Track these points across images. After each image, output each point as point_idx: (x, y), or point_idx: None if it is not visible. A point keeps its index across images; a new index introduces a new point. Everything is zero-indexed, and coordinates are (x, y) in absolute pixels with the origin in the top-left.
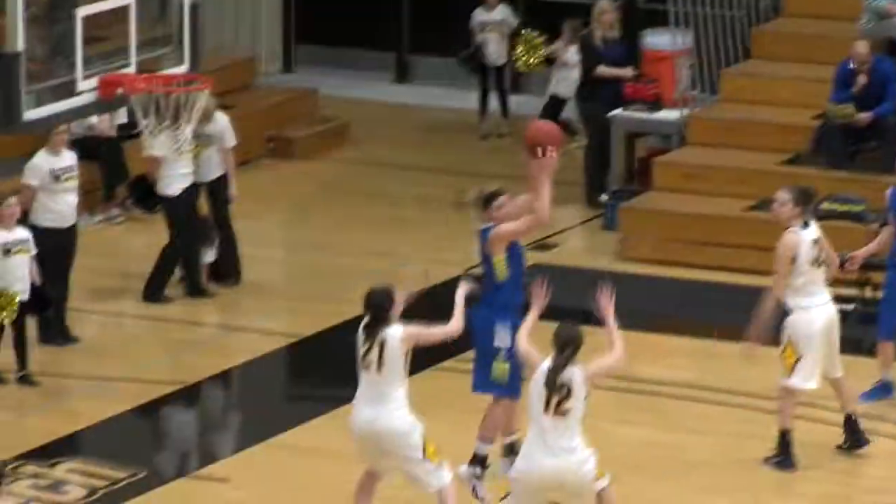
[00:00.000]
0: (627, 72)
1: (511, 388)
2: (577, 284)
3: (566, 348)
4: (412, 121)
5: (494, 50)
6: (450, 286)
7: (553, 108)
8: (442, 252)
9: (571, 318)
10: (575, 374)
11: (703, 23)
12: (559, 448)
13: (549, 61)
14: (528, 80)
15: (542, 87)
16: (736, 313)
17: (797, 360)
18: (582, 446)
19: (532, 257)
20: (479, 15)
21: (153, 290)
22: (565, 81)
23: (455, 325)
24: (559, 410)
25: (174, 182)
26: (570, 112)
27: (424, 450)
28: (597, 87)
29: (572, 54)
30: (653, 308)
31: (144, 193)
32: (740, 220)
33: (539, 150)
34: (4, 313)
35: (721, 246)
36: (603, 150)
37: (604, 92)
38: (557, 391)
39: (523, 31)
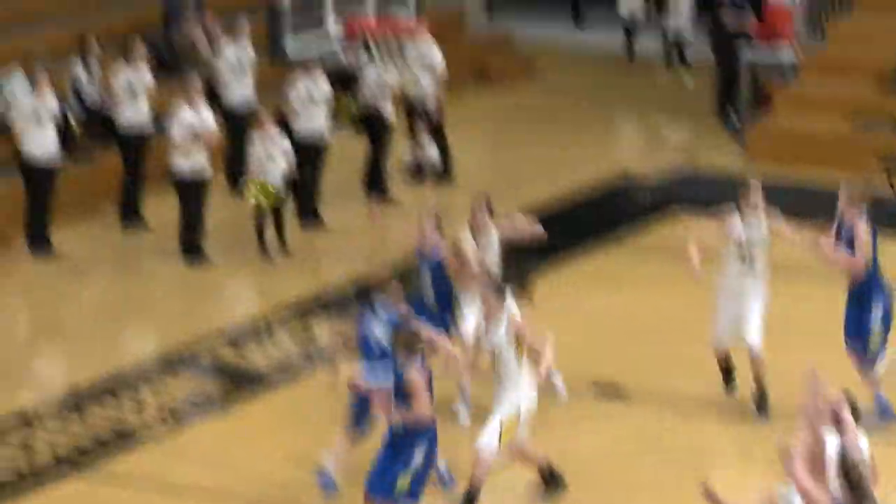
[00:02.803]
0: (746, 21)
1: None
2: (712, 184)
3: None
4: (586, 57)
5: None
6: (608, 186)
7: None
8: (611, 155)
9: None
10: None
11: None
12: None
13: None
14: None
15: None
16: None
17: None
18: None
19: (675, 163)
20: None
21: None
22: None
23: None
24: None
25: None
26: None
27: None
28: (723, 25)
29: None
30: (773, 203)
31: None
32: (844, 137)
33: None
34: (267, 200)
35: (827, 157)
36: (732, 76)
37: (731, 35)
38: None
39: None
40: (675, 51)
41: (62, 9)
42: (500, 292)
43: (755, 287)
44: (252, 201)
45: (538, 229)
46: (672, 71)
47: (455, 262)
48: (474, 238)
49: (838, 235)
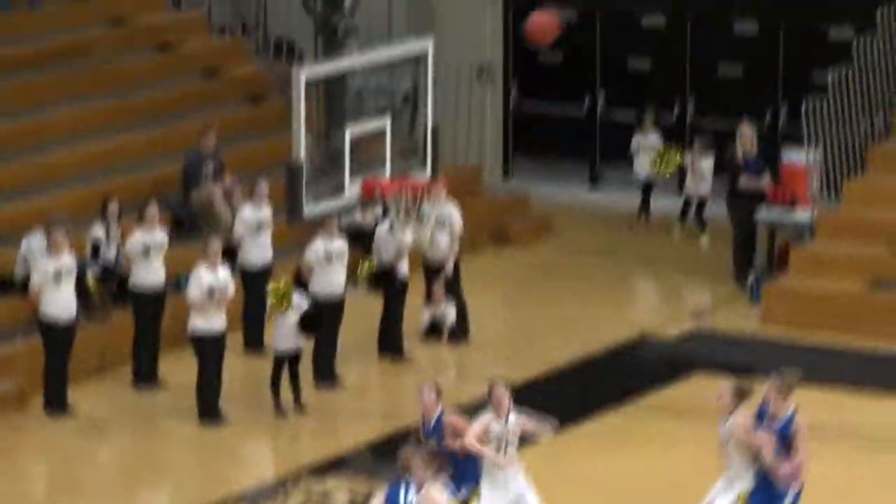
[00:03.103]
0: (764, 182)
1: None
2: (729, 345)
3: None
4: (602, 217)
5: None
6: (626, 346)
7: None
8: (626, 315)
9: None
10: None
11: (829, 141)
12: None
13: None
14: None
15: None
16: (855, 369)
17: None
18: None
19: (691, 325)
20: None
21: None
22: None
23: None
24: None
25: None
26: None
27: None
28: (741, 192)
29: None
30: (788, 365)
31: (376, 278)
32: (858, 297)
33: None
34: (285, 300)
35: (844, 317)
36: (749, 241)
37: (748, 196)
38: None
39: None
40: (694, 212)
41: (84, 169)
42: None
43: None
44: (272, 301)
45: (547, 427)
46: (689, 231)
47: (454, 439)
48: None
49: (758, 419)
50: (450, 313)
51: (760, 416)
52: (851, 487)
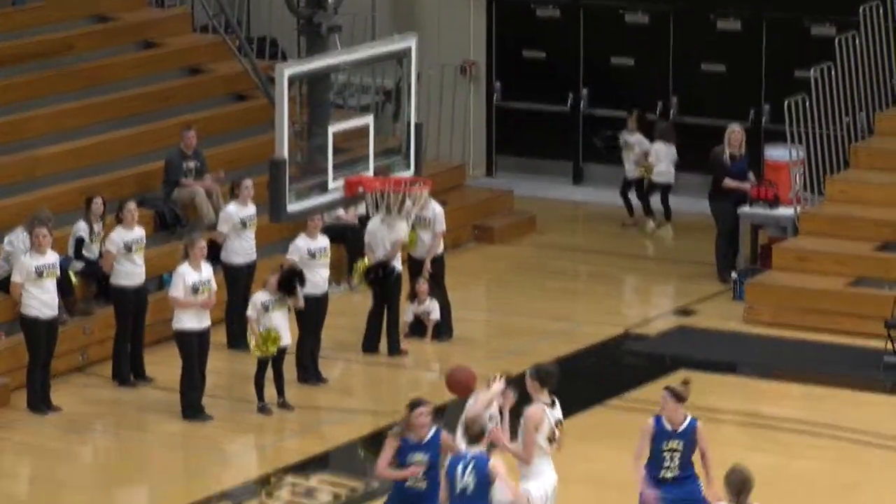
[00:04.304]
0: (747, 185)
1: None
2: (712, 342)
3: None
4: (585, 214)
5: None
6: (609, 344)
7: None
8: (610, 312)
9: (704, 368)
10: None
11: (812, 139)
12: None
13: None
14: None
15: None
16: (836, 365)
17: None
18: None
19: (675, 321)
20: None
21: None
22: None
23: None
24: None
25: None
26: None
27: None
28: (725, 190)
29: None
30: (771, 361)
31: (378, 276)
32: (841, 293)
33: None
34: (272, 347)
35: (826, 313)
36: (732, 238)
37: (731, 195)
38: None
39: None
40: (660, 201)
41: (68, 166)
42: None
43: None
44: (258, 353)
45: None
46: (659, 222)
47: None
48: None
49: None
50: (434, 310)
51: (658, 430)
52: (833, 482)
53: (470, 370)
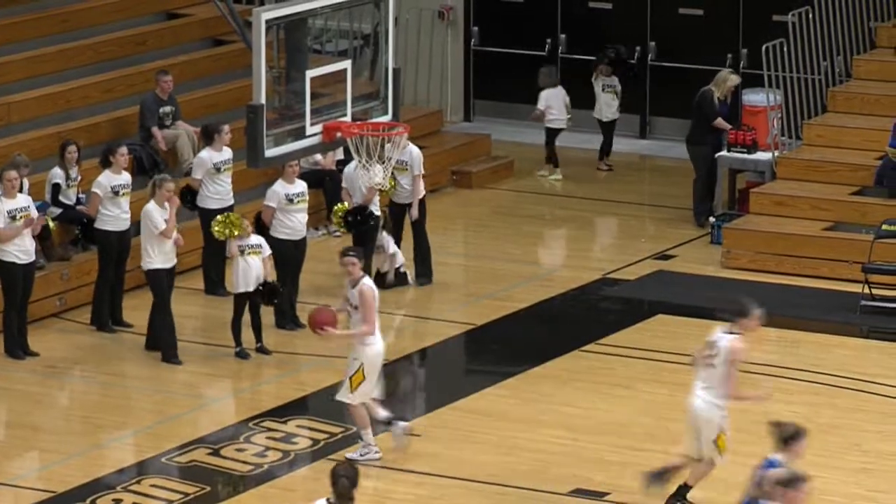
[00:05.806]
0: (729, 127)
1: None
2: (690, 286)
3: None
4: (563, 159)
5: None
6: (587, 289)
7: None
8: (588, 257)
9: (686, 312)
10: None
11: (790, 84)
12: None
13: None
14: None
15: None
16: (813, 310)
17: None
18: None
19: (654, 265)
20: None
21: None
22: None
23: None
24: None
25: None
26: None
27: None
28: (705, 134)
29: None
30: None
31: (356, 219)
32: (818, 238)
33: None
34: (237, 230)
35: (803, 258)
36: (709, 182)
37: (710, 137)
38: None
39: None
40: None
41: (42, 111)
42: None
43: None
44: (219, 236)
45: None
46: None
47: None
48: None
49: None
50: (398, 256)
51: None
52: (810, 424)
53: (331, 311)
